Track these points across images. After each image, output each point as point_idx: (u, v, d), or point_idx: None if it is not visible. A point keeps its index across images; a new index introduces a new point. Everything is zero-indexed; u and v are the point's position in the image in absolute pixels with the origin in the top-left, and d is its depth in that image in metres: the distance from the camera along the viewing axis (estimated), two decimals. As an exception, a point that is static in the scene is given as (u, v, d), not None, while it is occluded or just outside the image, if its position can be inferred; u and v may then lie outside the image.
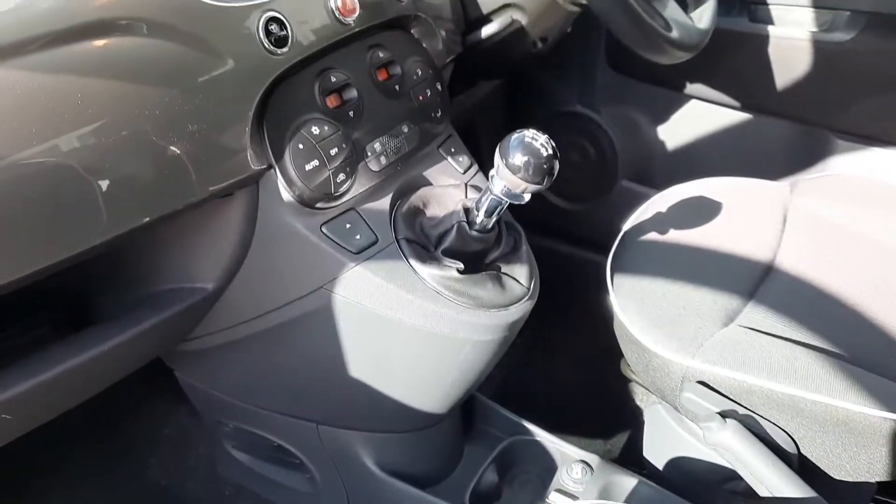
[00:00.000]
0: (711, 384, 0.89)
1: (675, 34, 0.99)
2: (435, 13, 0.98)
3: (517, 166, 0.72)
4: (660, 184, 1.52)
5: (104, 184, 0.64)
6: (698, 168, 1.48)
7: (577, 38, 1.38)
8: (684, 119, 1.51)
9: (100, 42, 0.63)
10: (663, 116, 1.52)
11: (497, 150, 0.74)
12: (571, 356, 1.62)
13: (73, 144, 0.61)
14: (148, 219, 0.68)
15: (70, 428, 1.21)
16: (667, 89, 1.49)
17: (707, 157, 1.50)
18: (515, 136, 0.74)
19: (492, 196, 0.79)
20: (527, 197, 0.77)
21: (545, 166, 0.73)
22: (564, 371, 1.60)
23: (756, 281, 1.00)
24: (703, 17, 1.10)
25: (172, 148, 0.68)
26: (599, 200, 1.62)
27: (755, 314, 0.95)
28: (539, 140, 0.73)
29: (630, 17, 0.90)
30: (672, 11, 1.04)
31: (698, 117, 1.48)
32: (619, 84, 1.53)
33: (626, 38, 0.93)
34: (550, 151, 0.73)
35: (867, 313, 0.93)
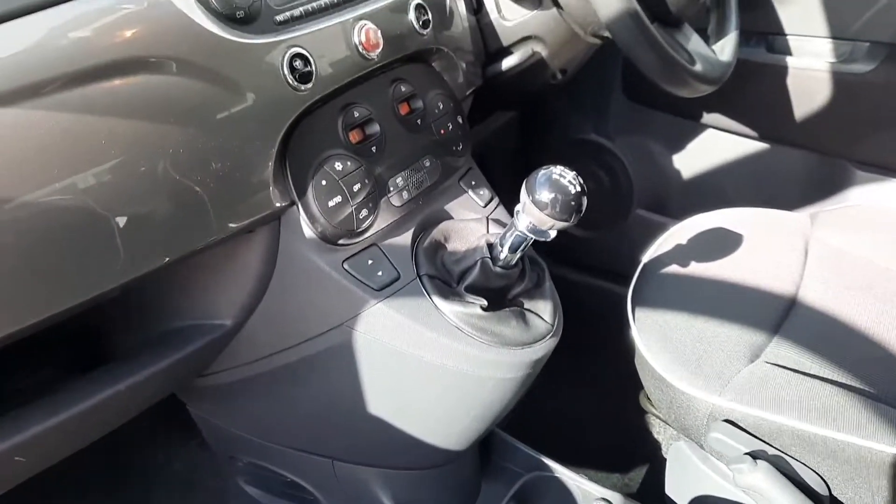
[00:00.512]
0: (739, 423, 0.88)
1: (699, 67, 0.98)
2: (456, 46, 0.98)
3: (544, 203, 0.71)
4: (676, 213, 1.52)
5: (125, 223, 0.63)
6: (715, 198, 1.47)
7: (593, 66, 1.38)
8: (700, 148, 1.50)
9: (121, 81, 0.62)
10: (679, 145, 1.52)
11: (524, 185, 0.73)
12: (588, 387, 1.60)
13: (92, 184, 0.61)
14: (168, 258, 0.67)
15: (77, 460, 1.20)
16: (682, 118, 1.49)
17: (724, 186, 1.49)
18: (543, 172, 0.73)
19: (517, 232, 0.78)
20: (553, 233, 0.76)
21: (573, 203, 0.72)
22: (581, 403, 1.58)
23: (780, 315, 0.99)
24: (726, 50, 1.10)
25: (194, 186, 0.67)
26: (615, 229, 1.61)
27: (781, 350, 0.93)
28: (567, 177, 0.73)
29: (655, 50, 0.90)
30: (695, 44, 1.04)
31: (715, 146, 1.47)
32: (634, 112, 1.52)
33: (651, 71, 0.92)
34: (579, 189, 0.72)
35: (894, 348, 0.91)
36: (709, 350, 0.93)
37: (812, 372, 0.89)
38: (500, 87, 1.08)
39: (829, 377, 0.88)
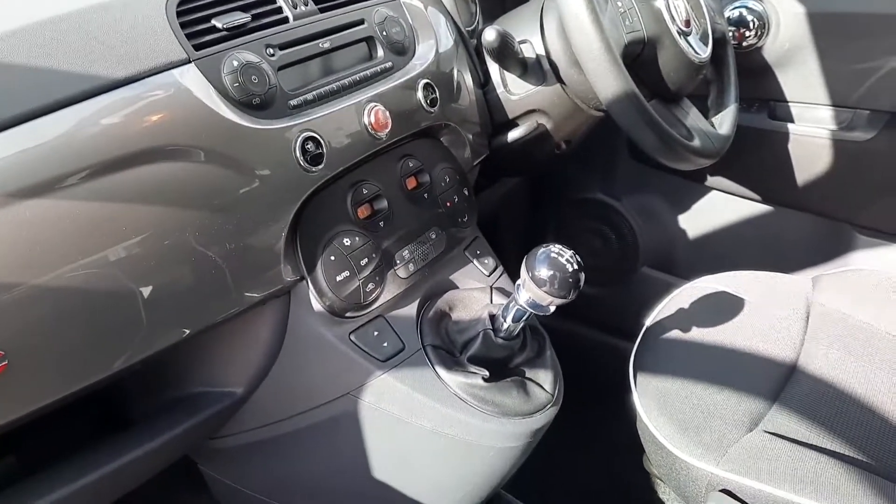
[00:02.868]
0: (737, 493, 0.88)
1: (696, 143, 1.01)
2: (462, 119, 1.02)
3: (543, 280, 0.75)
4: (681, 272, 1.54)
5: (147, 300, 0.67)
6: (719, 258, 1.49)
7: (600, 128, 1.42)
8: (705, 209, 1.52)
9: (143, 169, 0.66)
10: (684, 206, 1.54)
11: (524, 263, 0.76)
12: (592, 444, 1.61)
13: (115, 264, 0.65)
14: (188, 332, 0.71)
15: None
16: (687, 181, 1.51)
17: (728, 247, 1.51)
18: (542, 250, 0.76)
19: (517, 306, 0.80)
20: (552, 308, 0.78)
21: (570, 280, 0.75)
22: (585, 461, 1.58)
23: (780, 383, 1.00)
24: (724, 124, 1.13)
25: (210, 264, 0.71)
26: (620, 286, 1.63)
27: (780, 418, 0.94)
28: (565, 255, 0.76)
29: (653, 129, 0.93)
30: (694, 119, 1.07)
31: (719, 208, 1.50)
32: (641, 173, 1.55)
33: (650, 149, 0.95)
34: (576, 266, 0.75)
35: (893, 419, 0.92)
36: (708, 418, 0.95)
37: (810, 442, 0.90)
38: (505, 157, 1.11)
39: (827, 447, 0.89)
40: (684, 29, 1.00)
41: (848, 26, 1.23)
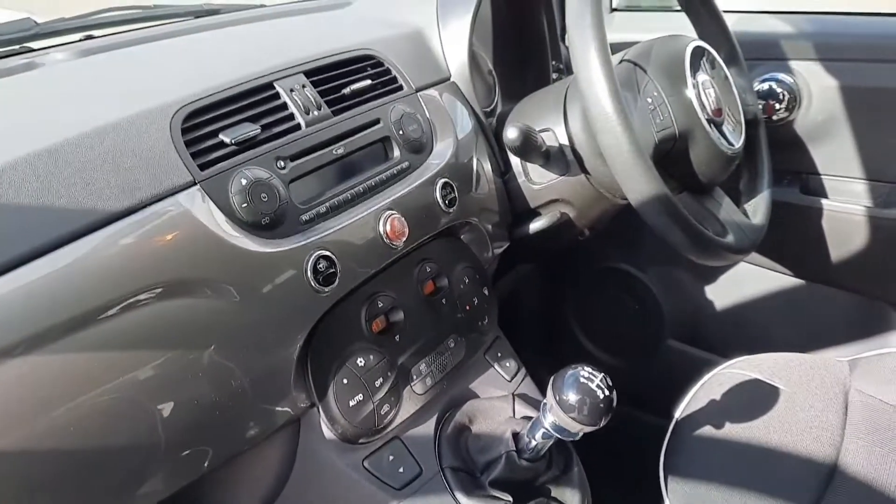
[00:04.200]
0: None
1: (731, 239, 0.96)
2: (482, 210, 0.97)
3: (571, 405, 0.69)
4: (710, 346, 1.48)
5: (158, 445, 0.64)
6: (749, 334, 1.43)
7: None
8: (735, 283, 1.46)
9: (139, 311, 0.62)
10: (712, 279, 1.48)
11: (550, 385, 0.71)
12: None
13: (121, 421, 0.61)
14: (203, 469, 0.68)
15: None
16: (716, 253, 1.46)
17: (758, 322, 1.45)
18: (570, 372, 0.71)
19: (543, 429, 0.75)
20: (580, 435, 0.73)
21: (601, 406, 0.70)
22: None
23: (820, 485, 0.94)
24: (758, 212, 1.07)
25: (218, 399, 0.67)
26: (645, 359, 1.57)
27: None
28: (595, 380, 0.71)
29: (683, 227, 0.88)
30: (727, 211, 1.02)
31: (749, 282, 1.44)
32: (666, 243, 1.50)
33: (682, 248, 0.90)
34: (606, 392, 0.70)
35: None
36: None
37: None
38: (526, 246, 1.07)
39: None
40: (716, 119, 0.95)
41: (880, 100, 1.19)
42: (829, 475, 0.96)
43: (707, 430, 1.03)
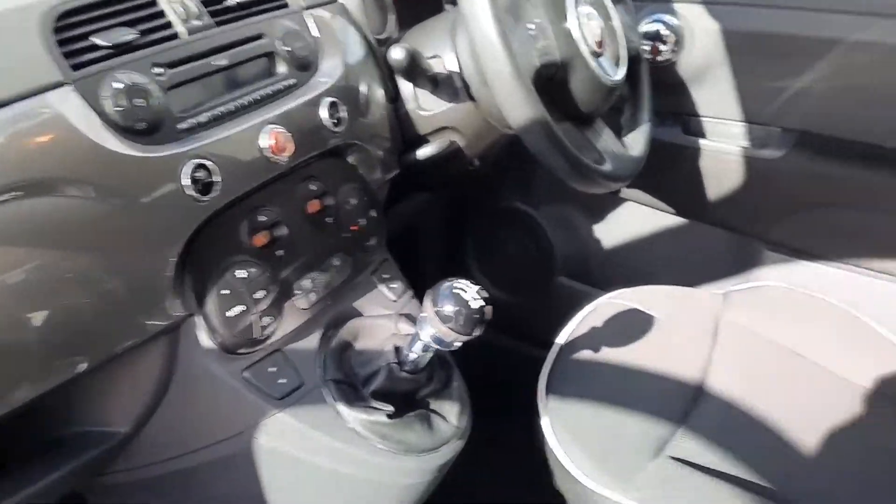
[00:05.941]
0: None
1: (608, 167, 0.99)
2: (371, 136, 0.97)
3: (448, 316, 0.72)
4: (597, 282, 1.54)
5: (34, 336, 0.63)
6: (635, 270, 1.50)
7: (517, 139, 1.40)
8: (621, 221, 1.52)
9: (9, 206, 0.60)
10: (599, 217, 1.54)
11: (426, 297, 0.73)
12: (504, 459, 1.59)
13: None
14: (84, 366, 0.67)
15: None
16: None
17: (643, 259, 1.51)
18: (446, 284, 0.73)
19: (420, 341, 0.78)
20: (457, 345, 0.76)
21: (475, 317, 0.72)
22: (498, 478, 1.56)
23: (686, 405, 1.00)
24: (637, 145, 1.12)
25: (90, 303, 0.66)
26: (537, 295, 1.62)
27: (685, 443, 0.94)
28: (470, 291, 0.73)
29: (562, 153, 0.91)
30: (606, 142, 1.06)
31: (635, 220, 1.50)
32: (558, 182, 1.54)
33: (561, 173, 0.93)
34: (482, 303, 0.73)
35: (798, 441, 0.93)
36: (615, 443, 0.94)
37: (713, 467, 0.90)
38: (417, 173, 1.08)
39: (733, 473, 0.89)
40: (597, 50, 0.98)
41: (761, 45, 1.24)
42: (697, 394, 1.02)
43: (586, 353, 1.08)
